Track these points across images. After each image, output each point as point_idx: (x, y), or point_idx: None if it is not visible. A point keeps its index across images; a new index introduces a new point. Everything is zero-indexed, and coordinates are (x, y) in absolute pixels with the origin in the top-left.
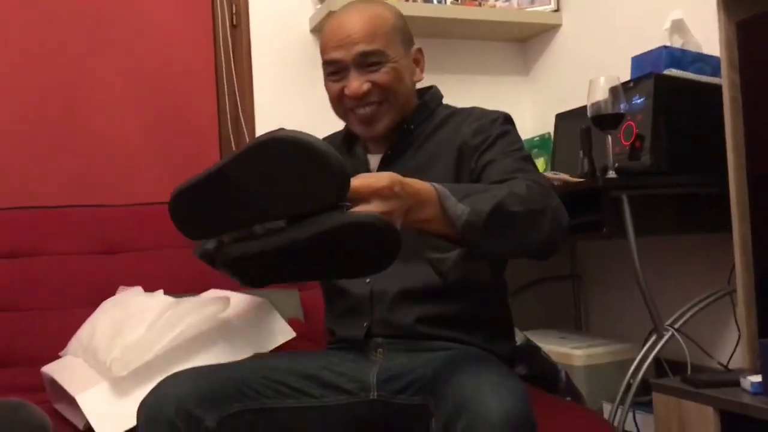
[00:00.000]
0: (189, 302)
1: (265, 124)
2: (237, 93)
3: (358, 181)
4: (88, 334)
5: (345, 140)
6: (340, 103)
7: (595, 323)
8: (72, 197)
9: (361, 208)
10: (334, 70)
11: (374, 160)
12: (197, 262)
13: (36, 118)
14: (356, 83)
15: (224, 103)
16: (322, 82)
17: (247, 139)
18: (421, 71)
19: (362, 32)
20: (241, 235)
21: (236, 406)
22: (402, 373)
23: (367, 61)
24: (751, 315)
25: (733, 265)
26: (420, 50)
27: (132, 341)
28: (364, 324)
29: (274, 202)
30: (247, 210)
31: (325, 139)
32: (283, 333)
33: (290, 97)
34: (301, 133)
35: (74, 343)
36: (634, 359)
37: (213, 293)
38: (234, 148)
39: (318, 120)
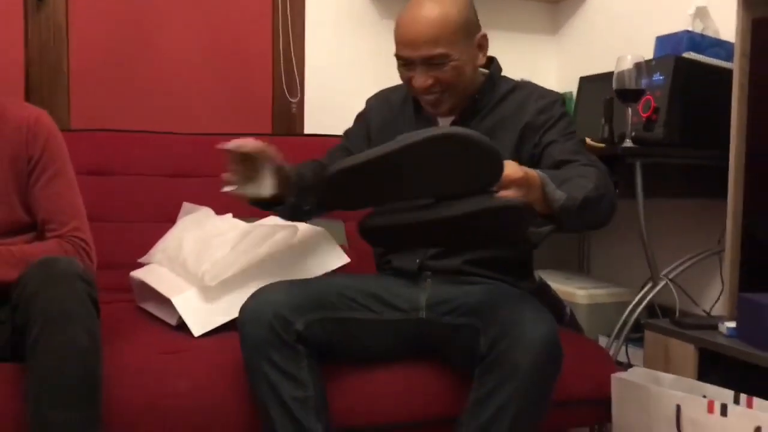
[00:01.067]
0: (263, 228)
1: (314, 68)
2: (291, 34)
3: (506, 171)
4: (175, 247)
5: (415, 99)
6: (409, 87)
7: (598, 269)
8: (141, 122)
9: (504, 194)
10: (403, 63)
11: (443, 122)
12: None
13: (113, 46)
14: (421, 79)
15: (278, 44)
16: (371, 32)
17: (297, 80)
18: (484, 56)
19: (427, 36)
20: (386, 209)
21: (319, 314)
22: (448, 299)
23: (431, 62)
24: (734, 272)
25: (724, 228)
26: (485, 36)
27: (220, 257)
28: (416, 260)
29: (432, 183)
30: (404, 188)
31: (394, 88)
32: (339, 257)
33: (339, 44)
34: (472, 132)
35: (158, 253)
36: (631, 302)
37: (273, 219)
38: (285, 88)
39: (363, 68)
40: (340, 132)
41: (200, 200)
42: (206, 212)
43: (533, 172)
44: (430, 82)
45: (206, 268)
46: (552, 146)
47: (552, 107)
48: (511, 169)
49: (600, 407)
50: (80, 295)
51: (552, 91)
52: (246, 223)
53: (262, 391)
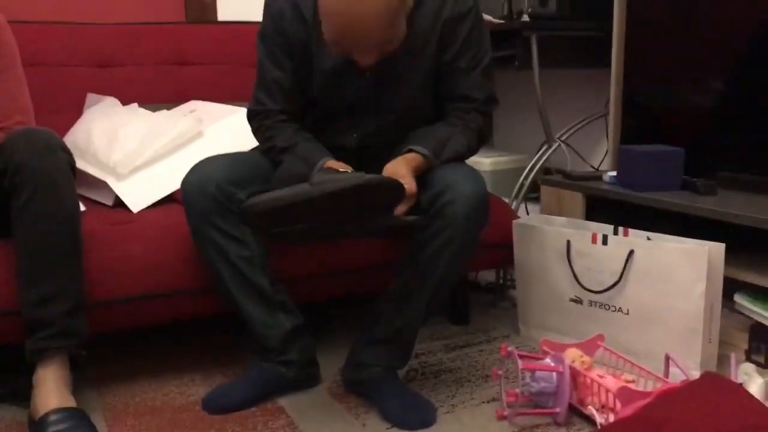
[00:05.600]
0: (168, 117)
1: None
2: None
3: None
4: (84, 139)
5: None
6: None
7: (499, 140)
8: (53, 12)
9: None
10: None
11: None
12: (174, 78)
13: None
14: (368, 59)
15: None
16: None
17: None
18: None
19: (378, 40)
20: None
21: (259, 185)
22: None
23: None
24: (617, 130)
25: (609, 93)
26: None
27: (130, 148)
28: (354, 136)
29: (342, 214)
30: (318, 217)
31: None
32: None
33: None
34: (380, 178)
35: (68, 144)
36: (528, 166)
37: (192, 105)
38: None
39: None
40: (254, 18)
41: (111, 91)
42: (111, 102)
43: (419, 169)
44: (375, 59)
45: (118, 158)
46: (457, 75)
47: (465, 20)
48: (409, 189)
49: (504, 251)
50: (64, 164)
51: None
52: (151, 113)
53: (211, 254)
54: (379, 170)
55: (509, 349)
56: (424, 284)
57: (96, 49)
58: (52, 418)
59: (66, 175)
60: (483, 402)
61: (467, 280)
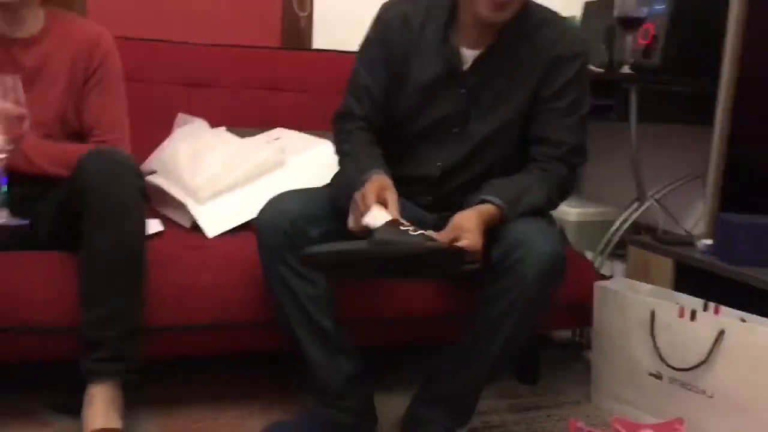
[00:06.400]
0: (252, 144)
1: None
2: None
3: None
4: (171, 158)
5: (444, 28)
6: None
7: (589, 189)
8: (152, 31)
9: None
10: None
11: (469, 55)
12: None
13: None
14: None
15: None
16: None
17: None
18: None
19: None
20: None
21: (333, 224)
22: None
23: None
24: (715, 194)
25: (710, 153)
26: None
27: (212, 173)
28: (429, 198)
29: (404, 273)
30: (376, 272)
31: (411, 2)
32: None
33: None
34: (444, 245)
35: (155, 161)
36: (617, 220)
37: (278, 132)
38: (294, 1)
39: None
40: (349, 47)
41: (199, 111)
42: (200, 123)
43: (491, 222)
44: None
45: (199, 181)
46: (550, 115)
47: (573, 62)
48: (473, 247)
49: (582, 312)
50: (134, 190)
51: (579, 41)
52: (237, 137)
53: (278, 290)
54: (455, 211)
55: (578, 425)
56: (489, 344)
57: (189, 68)
58: None
59: (134, 202)
60: None
61: (539, 335)
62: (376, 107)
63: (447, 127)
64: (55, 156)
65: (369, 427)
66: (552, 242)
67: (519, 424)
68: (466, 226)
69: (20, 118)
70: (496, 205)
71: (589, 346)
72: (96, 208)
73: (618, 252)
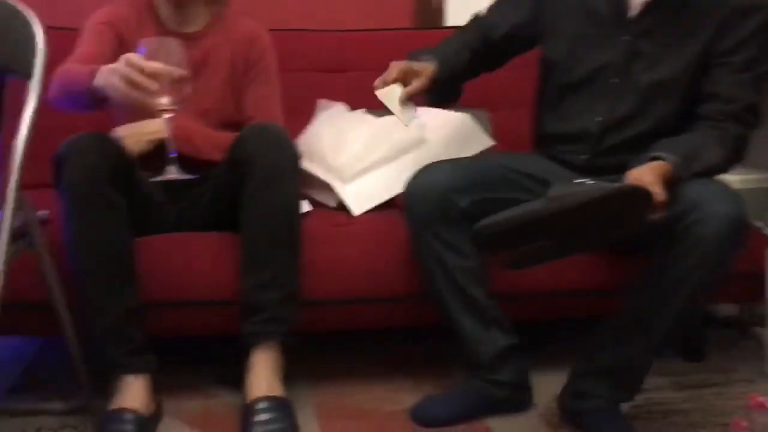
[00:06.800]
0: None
1: None
2: None
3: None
4: (314, 142)
5: None
6: None
7: (752, 155)
8: (278, 19)
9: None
10: None
11: (637, 0)
12: None
13: None
14: None
15: None
16: None
17: None
18: None
19: None
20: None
21: (481, 194)
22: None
23: None
24: None
25: None
26: None
27: (355, 151)
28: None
29: (586, 231)
30: (556, 235)
31: None
32: (484, 141)
33: None
34: (631, 185)
35: (300, 146)
36: None
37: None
38: None
39: None
40: None
41: (338, 96)
42: (340, 108)
43: (665, 180)
44: None
45: (343, 161)
46: (724, 70)
47: (755, 14)
48: (659, 198)
49: (752, 283)
50: (292, 159)
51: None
52: (377, 118)
53: (428, 261)
54: (611, 174)
55: (760, 399)
56: (662, 312)
57: (326, 55)
58: (260, 405)
59: (292, 169)
60: None
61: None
62: (505, 29)
63: (604, 78)
64: (215, 140)
65: (524, 402)
66: (733, 203)
67: (686, 402)
68: (645, 179)
69: (183, 79)
70: (669, 162)
71: (757, 323)
72: (257, 172)
73: None
